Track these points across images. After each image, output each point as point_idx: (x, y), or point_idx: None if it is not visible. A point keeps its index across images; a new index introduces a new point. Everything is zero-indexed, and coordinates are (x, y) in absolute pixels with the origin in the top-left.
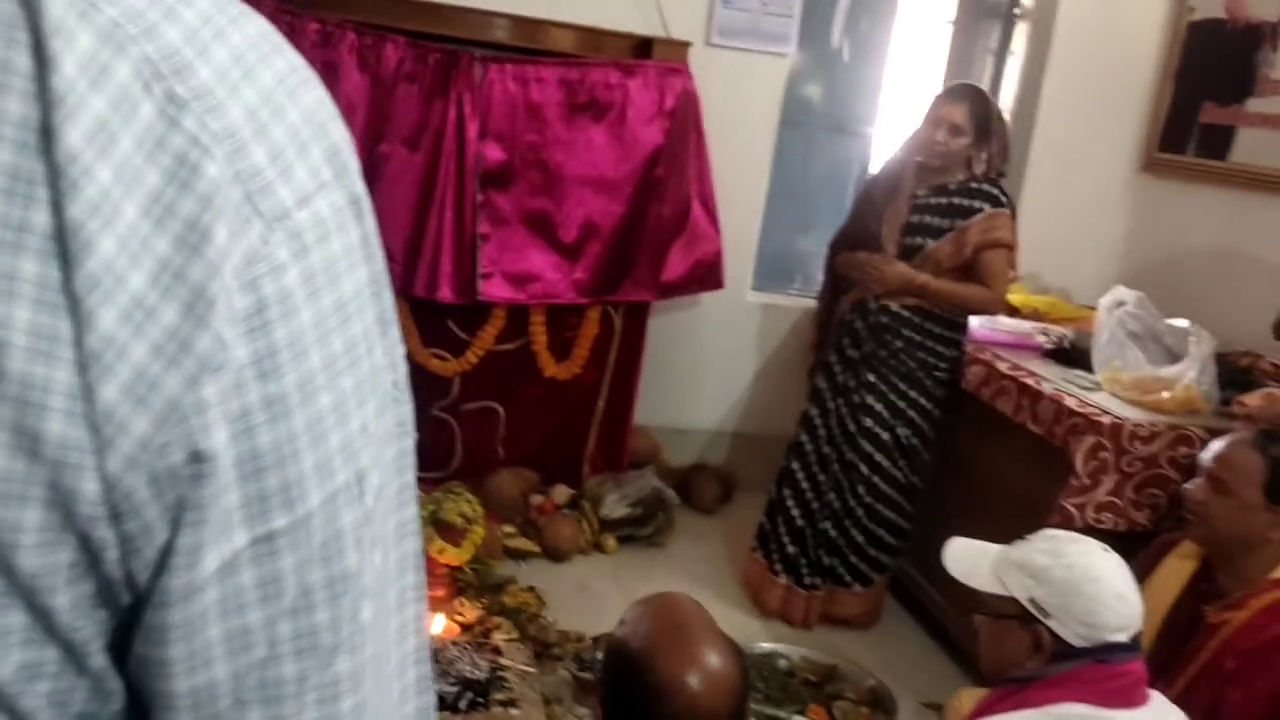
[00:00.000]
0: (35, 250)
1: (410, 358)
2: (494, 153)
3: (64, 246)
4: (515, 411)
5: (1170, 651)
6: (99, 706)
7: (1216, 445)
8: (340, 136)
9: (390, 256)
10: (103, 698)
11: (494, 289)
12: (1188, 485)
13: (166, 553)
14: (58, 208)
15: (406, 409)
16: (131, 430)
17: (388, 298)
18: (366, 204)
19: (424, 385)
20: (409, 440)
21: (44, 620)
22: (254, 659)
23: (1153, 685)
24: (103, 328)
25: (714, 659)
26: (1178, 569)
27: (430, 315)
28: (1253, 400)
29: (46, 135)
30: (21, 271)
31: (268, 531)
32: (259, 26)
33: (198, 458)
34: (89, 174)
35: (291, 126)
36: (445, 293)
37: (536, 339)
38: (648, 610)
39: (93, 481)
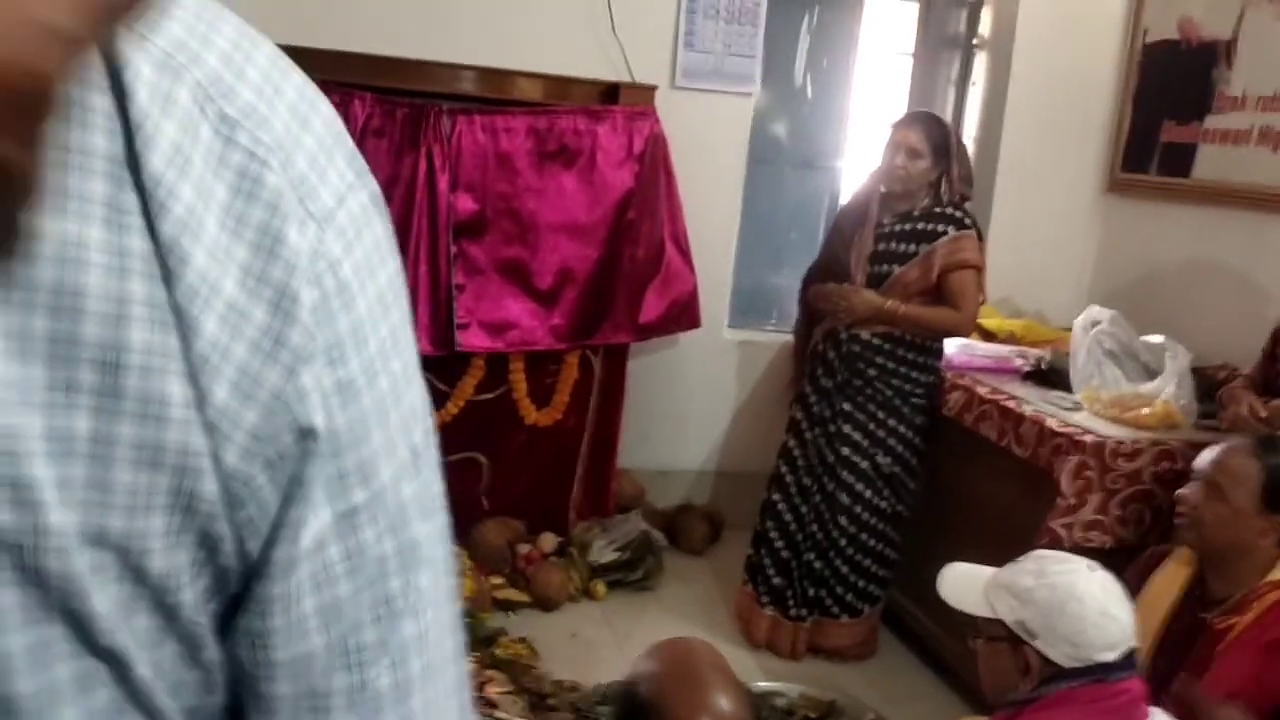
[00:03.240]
0: (139, 272)
1: None
2: (466, 203)
3: (163, 265)
4: (498, 461)
5: (1173, 659)
6: (204, 698)
7: (1214, 450)
8: (351, 141)
9: None
10: (209, 688)
11: (472, 339)
12: (1182, 490)
13: (276, 526)
14: (151, 230)
15: (425, 390)
16: (243, 424)
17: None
18: (383, 200)
19: None
20: (431, 418)
21: (169, 618)
22: (344, 628)
23: (1157, 693)
24: (207, 334)
25: (724, 704)
26: (1173, 576)
27: None
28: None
29: (131, 163)
30: (131, 294)
31: (349, 507)
32: (271, 47)
33: (305, 435)
34: (174, 194)
35: (318, 134)
36: (423, 345)
37: (516, 387)
38: (659, 655)
39: (211, 481)
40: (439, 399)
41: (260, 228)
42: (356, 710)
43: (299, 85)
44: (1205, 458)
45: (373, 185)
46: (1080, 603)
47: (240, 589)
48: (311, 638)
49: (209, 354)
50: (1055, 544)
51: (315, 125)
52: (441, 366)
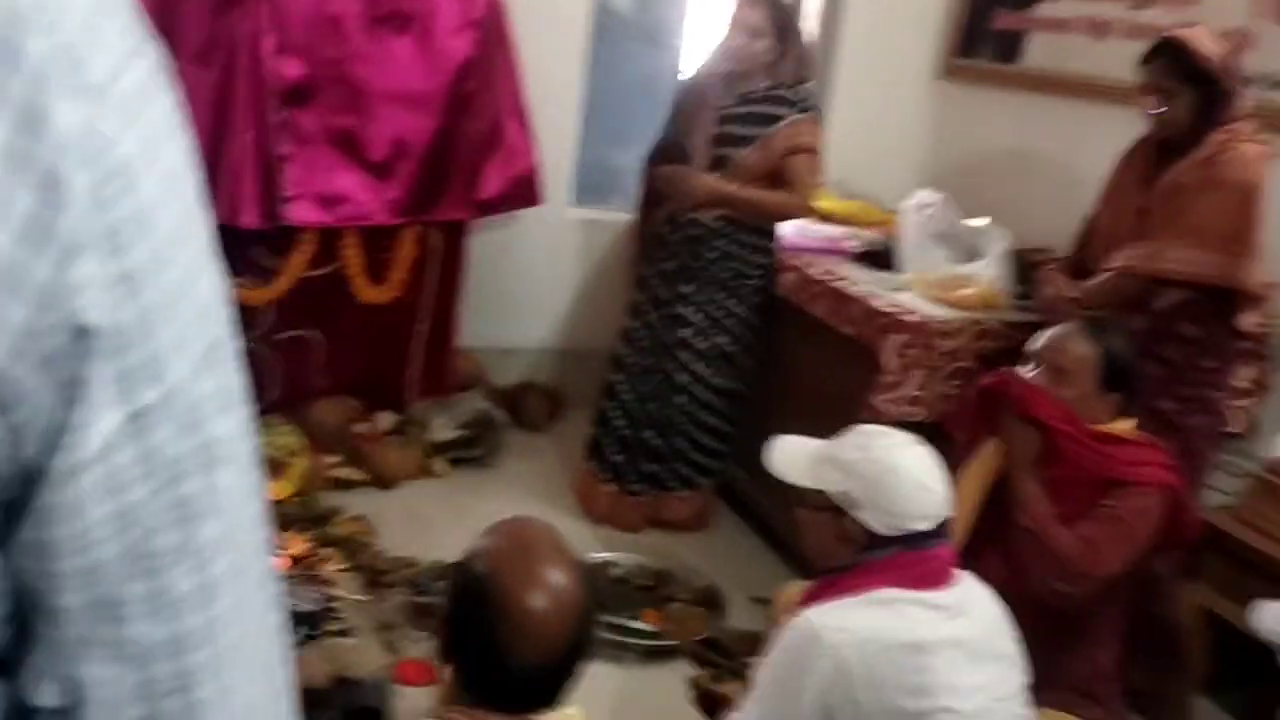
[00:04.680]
0: None
1: None
2: (293, 68)
3: None
4: (333, 339)
5: (997, 521)
6: None
7: (1048, 337)
8: (133, 5)
9: None
10: None
11: (301, 212)
12: (1024, 376)
13: (56, 431)
14: None
15: (223, 278)
16: (10, 321)
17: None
18: (169, 71)
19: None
20: (229, 309)
21: None
22: (138, 534)
23: (983, 551)
24: None
25: (559, 582)
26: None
27: (234, 243)
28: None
29: None
30: None
31: (139, 408)
32: None
33: (81, 333)
34: None
35: None
36: (249, 218)
37: (350, 263)
38: (496, 533)
39: None
40: (268, 275)
41: (22, 104)
42: (156, 617)
43: None
44: (1040, 343)
45: (157, 54)
46: (899, 476)
47: (19, 497)
48: (102, 547)
49: None
50: (877, 419)
51: None
52: (270, 241)
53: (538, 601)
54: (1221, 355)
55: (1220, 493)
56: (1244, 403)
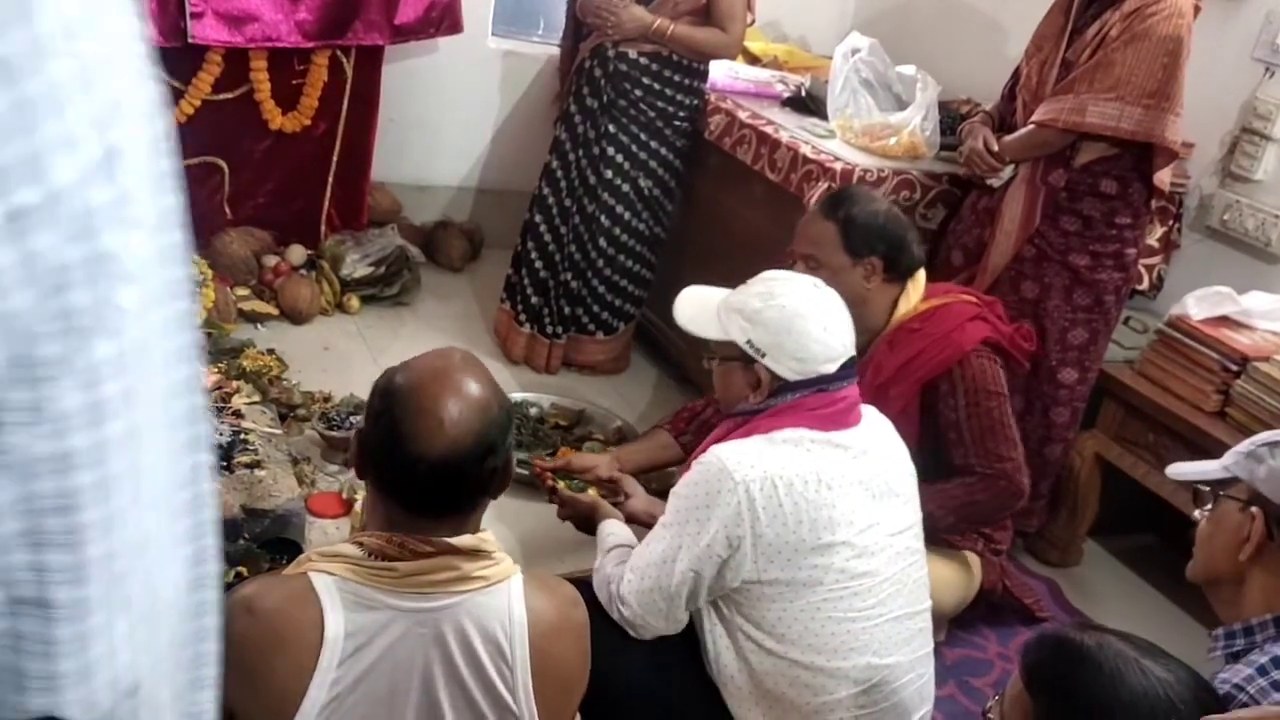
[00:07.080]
0: None
1: None
2: None
3: None
4: (240, 167)
5: None
6: None
7: (798, 227)
8: None
9: None
10: None
11: (206, 30)
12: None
13: None
14: None
15: (156, 88)
16: None
17: None
18: None
19: None
20: (164, 120)
21: None
22: (17, 341)
23: None
24: None
25: (469, 385)
26: None
27: None
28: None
29: None
30: None
31: (17, 207)
32: None
33: None
34: None
35: None
36: (149, 34)
37: (259, 87)
38: (420, 357)
39: None
40: (171, 96)
41: None
42: (37, 429)
43: None
44: (796, 237)
45: None
46: (805, 320)
47: None
48: None
49: None
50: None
51: None
52: (173, 60)
53: (446, 397)
54: (1136, 212)
55: (1122, 347)
56: (1152, 260)
